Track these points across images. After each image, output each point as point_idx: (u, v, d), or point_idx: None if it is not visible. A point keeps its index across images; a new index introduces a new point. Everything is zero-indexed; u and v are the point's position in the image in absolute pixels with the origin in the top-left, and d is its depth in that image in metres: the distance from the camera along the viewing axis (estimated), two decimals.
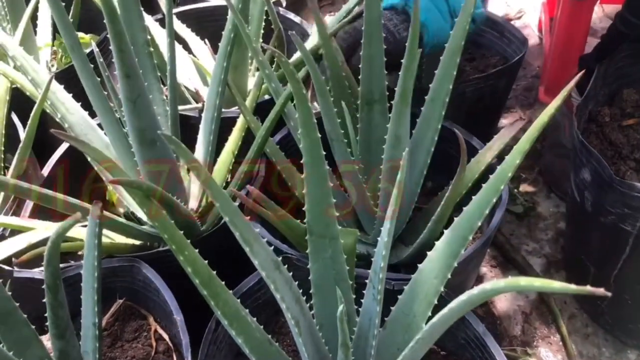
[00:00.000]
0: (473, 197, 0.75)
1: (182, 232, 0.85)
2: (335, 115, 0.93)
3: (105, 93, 0.92)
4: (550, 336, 1.10)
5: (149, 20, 1.28)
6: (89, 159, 1.00)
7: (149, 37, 0.98)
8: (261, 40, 1.35)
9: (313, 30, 1.34)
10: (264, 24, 1.33)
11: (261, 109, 1.10)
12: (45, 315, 0.73)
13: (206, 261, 0.71)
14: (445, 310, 0.55)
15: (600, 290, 0.38)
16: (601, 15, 1.82)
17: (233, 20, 1.03)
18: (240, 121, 1.10)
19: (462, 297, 0.51)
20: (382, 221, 0.94)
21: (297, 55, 1.23)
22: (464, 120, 1.17)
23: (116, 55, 0.76)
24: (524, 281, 0.43)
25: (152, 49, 0.99)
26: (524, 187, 1.36)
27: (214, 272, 0.72)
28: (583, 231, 1.06)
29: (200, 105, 1.16)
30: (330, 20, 1.29)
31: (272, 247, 0.84)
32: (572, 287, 0.40)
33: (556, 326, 1.10)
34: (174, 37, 0.96)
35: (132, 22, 0.96)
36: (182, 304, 0.85)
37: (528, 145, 0.70)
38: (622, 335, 1.09)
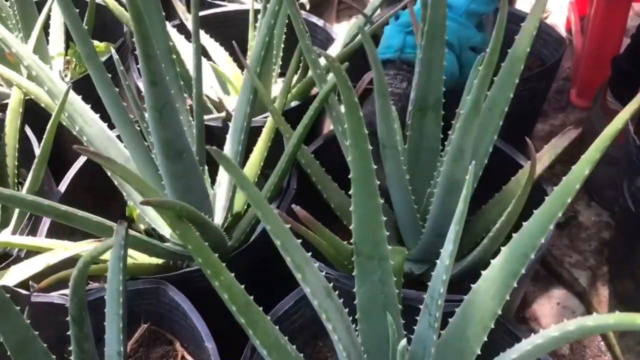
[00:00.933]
0: (535, 210, 0.68)
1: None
2: (394, 119, 0.86)
3: (125, 104, 0.86)
4: (601, 355, 1.03)
5: (167, 26, 1.22)
6: (108, 173, 0.94)
7: (171, 43, 0.92)
8: (282, 46, 1.29)
9: (338, 35, 1.28)
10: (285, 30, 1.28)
11: (287, 116, 1.04)
12: (65, 337, 0.67)
13: (242, 286, 0.65)
14: (528, 347, 0.48)
15: None
16: (631, 14, 1.75)
17: (268, 22, 0.96)
18: (266, 130, 1.04)
19: (554, 333, 0.44)
20: (429, 237, 0.88)
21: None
22: (503, 126, 1.11)
23: (142, 61, 0.70)
24: None
25: (174, 56, 0.93)
26: None
27: (251, 297, 0.66)
28: (637, 242, 0.99)
29: (223, 114, 1.10)
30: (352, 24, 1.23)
31: None
32: None
33: (607, 344, 1.03)
34: (199, 37, 0.90)
35: (154, 27, 0.90)
36: (209, 326, 0.79)
37: (598, 154, 0.63)
38: None
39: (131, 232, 0.89)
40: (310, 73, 1.17)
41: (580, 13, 1.65)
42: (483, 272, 0.71)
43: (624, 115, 0.62)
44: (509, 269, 0.69)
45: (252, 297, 0.66)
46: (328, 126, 1.37)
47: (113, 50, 0.87)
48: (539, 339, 0.46)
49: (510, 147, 0.99)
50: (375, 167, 0.62)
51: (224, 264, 0.75)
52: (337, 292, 0.71)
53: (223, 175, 1.01)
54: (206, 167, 1.02)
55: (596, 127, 1.30)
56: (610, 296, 1.11)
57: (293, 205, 0.68)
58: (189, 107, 0.98)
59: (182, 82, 0.96)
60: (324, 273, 0.63)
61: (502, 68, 0.81)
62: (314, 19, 1.33)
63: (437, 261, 0.63)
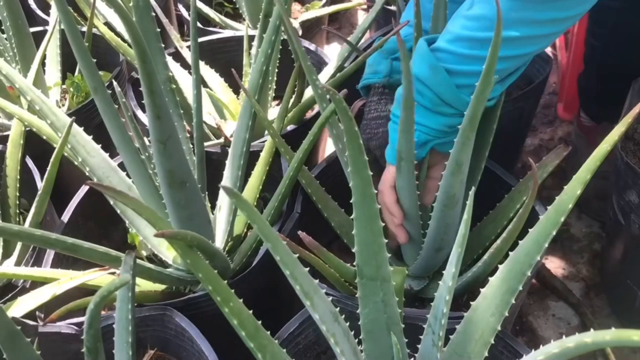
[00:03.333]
0: (530, 229, 0.71)
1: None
2: (413, 133, 0.86)
3: (130, 134, 0.88)
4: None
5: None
6: (111, 201, 0.96)
7: (170, 73, 0.95)
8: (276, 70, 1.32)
9: (331, 58, 1.31)
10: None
11: (285, 141, 1.07)
12: None
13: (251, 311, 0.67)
14: None
15: None
16: None
17: (265, 52, 0.98)
18: (264, 154, 1.07)
19: (553, 349, 0.47)
20: (428, 252, 0.90)
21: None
22: (493, 145, 1.14)
23: (147, 96, 0.73)
24: (636, 336, 0.39)
25: (174, 86, 0.96)
26: None
27: (260, 322, 0.68)
28: (629, 254, 1.02)
29: (222, 140, 1.12)
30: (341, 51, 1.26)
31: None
32: None
33: (603, 355, 1.06)
34: (198, 67, 0.93)
35: (154, 57, 0.93)
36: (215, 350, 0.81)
37: (589, 175, 0.66)
38: None
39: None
40: (305, 97, 1.21)
41: None
42: (482, 290, 0.74)
43: (612, 137, 0.65)
44: (507, 286, 0.71)
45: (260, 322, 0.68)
46: (323, 145, 1.40)
47: (115, 83, 0.90)
48: (540, 355, 0.48)
49: (495, 164, 1.02)
50: (375, 191, 0.64)
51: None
52: (342, 313, 0.74)
53: (223, 200, 1.03)
54: (206, 192, 1.04)
55: (575, 143, 1.34)
56: (604, 306, 1.14)
57: (299, 232, 0.70)
58: (188, 135, 1.00)
59: (181, 111, 0.98)
60: (330, 299, 0.65)
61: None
62: (306, 43, 1.36)
63: (440, 282, 0.65)
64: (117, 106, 0.85)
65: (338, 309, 0.66)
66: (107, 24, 1.33)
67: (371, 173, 0.63)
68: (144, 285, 0.98)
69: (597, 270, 1.19)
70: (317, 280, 0.81)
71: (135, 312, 0.87)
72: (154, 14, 0.89)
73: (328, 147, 1.43)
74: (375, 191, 0.64)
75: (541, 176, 0.93)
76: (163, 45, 0.93)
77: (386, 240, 0.67)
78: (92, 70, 0.80)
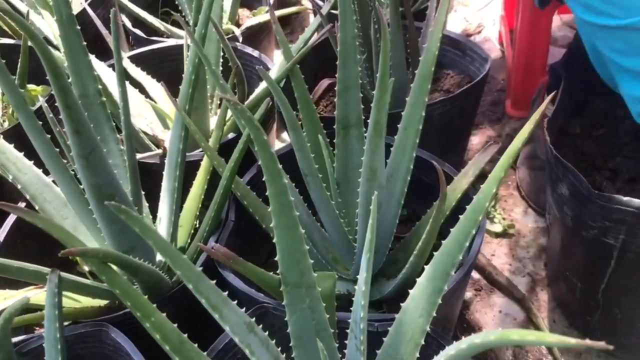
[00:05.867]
0: (451, 229, 0.71)
1: (150, 292, 0.80)
2: (309, 150, 0.89)
3: (58, 149, 0.87)
4: (542, 358, 1.07)
5: (102, 66, 1.24)
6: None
7: (100, 86, 0.94)
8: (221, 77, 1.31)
9: (275, 63, 1.31)
10: (222, 60, 1.30)
11: (226, 149, 1.06)
12: None
13: (177, 323, 0.67)
14: None
15: (601, 344, 0.35)
16: (560, 24, 1.83)
17: (193, 61, 0.99)
18: (204, 164, 1.06)
19: (451, 352, 0.47)
20: (359, 257, 0.91)
21: (256, 92, 1.20)
22: (435, 144, 1.15)
23: (63, 112, 0.72)
24: (516, 335, 0.39)
25: (104, 99, 0.95)
26: (501, 204, 1.33)
27: (185, 335, 0.67)
28: (566, 247, 1.04)
29: (161, 150, 1.12)
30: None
31: (248, 297, 0.80)
32: (571, 341, 0.36)
33: (548, 347, 1.07)
34: (124, 81, 0.92)
35: (81, 72, 0.92)
36: None
37: (503, 173, 0.67)
38: (616, 351, 1.06)
39: (70, 276, 0.90)
40: (248, 103, 1.20)
41: (509, 26, 1.72)
42: (410, 291, 0.74)
43: (523, 134, 0.66)
44: (433, 286, 0.72)
45: (195, 329, 0.68)
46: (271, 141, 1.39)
47: (42, 99, 0.88)
48: (441, 357, 0.48)
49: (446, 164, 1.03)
50: (292, 199, 0.65)
51: (163, 302, 0.76)
52: (279, 320, 0.73)
53: (163, 211, 1.02)
54: (146, 205, 1.03)
55: (535, 134, 1.35)
56: (549, 300, 1.15)
57: (213, 244, 0.70)
58: (123, 147, 0.99)
59: (114, 123, 0.97)
60: (266, 304, 0.65)
61: (411, 89, 0.85)
62: (249, 49, 1.36)
63: (355, 287, 0.65)
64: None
65: (263, 314, 0.66)
66: (45, 39, 1.31)
67: (286, 181, 0.63)
68: (84, 301, 0.97)
69: (543, 265, 1.21)
70: (254, 289, 0.82)
71: (72, 329, 0.86)
72: (78, 28, 0.88)
73: None
74: (292, 198, 0.65)
75: (474, 173, 0.93)
76: (90, 59, 0.92)
77: (308, 247, 0.68)
78: (11, 87, 0.79)
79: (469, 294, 1.17)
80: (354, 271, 0.94)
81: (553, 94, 0.81)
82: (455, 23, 1.92)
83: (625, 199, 0.84)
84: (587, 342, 0.35)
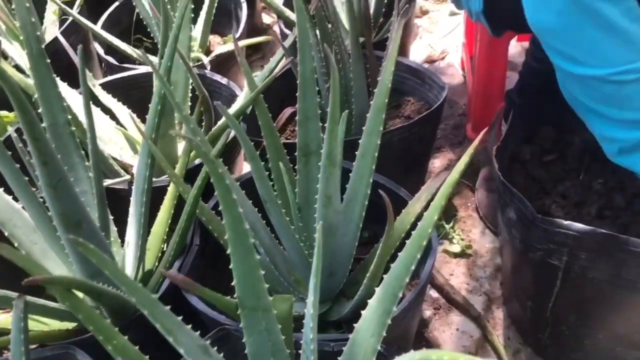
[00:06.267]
0: (399, 253, 0.76)
1: (115, 315, 0.84)
2: (267, 178, 0.94)
3: (27, 178, 0.90)
4: None
5: (74, 94, 1.27)
6: (15, 244, 0.98)
7: (69, 116, 0.97)
8: (189, 104, 1.36)
9: (243, 90, 1.36)
10: (190, 87, 1.35)
11: (193, 174, 1.10)
12: None
13: (143, 345, 0.70)
14: None
15: None
16: (520, 50, 1.91)
17: (159, 90, 1.04)
18: (171, 189, 1.10)
19: None
20: (322, 279, 0.95)
21: (223, 119, 1.24)
22: (395, 169, 1.20)
23: (31, 144, 0.75)
24: (434, 355, 0.44)
25: (74, 128, 0.98)
26: (460, 225, 1.39)
27: (147, 357, 0.71)
28: (516, 267, 1.09)
29: (129, 177, 1.15)
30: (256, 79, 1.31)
31: (211, 319, 0.84)
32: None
33: None
34: (91, 112, 0.96)
35: (51, 103, 0.95)
36: None
37: (444, 201, 0.72)
38: None
39: (38, 300, 0.93)
40: (213, 129, 1.25)
41: (470, 53, 1.79)
42: (362, 312, 0.79)
43: (459, 167, 0.71)
44: (383, 308, 0.76)
45: (151, 357, 0.71)
46: (240, 164, 1.44)
47: (11, 129, 0.92)
48: None
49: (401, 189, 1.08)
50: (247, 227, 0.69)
51: (129, 325, 0.80)
52: (240, 342, 0.77)
53: (130, 236, 1.06)
54: (115, 229, 1.07)
55: (492, 158, 1.41)
56: (504, 317, 1.20)
57: (170, 271, 0.74)
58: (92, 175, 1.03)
59: (83, 152, 1.01)
60: (227, 326, 0.69)
61: (367, 119, 0.90)
62: (217, 77, 1.40)
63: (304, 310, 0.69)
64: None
65: (224, 336, 0.69)
66: (16, 66, 1.34)
67: (241, 210, 0.67)
68: (53, 324, 1.00)
69: (498, 284, 1.26)
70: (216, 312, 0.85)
71: (39, 352, 0.89)
72: (47, 61, 0.91)
73: None
74: (247, 226, 0.69)
75: (426, 198, 0.99)
76: (60, 90, 0.96)
77: (264, 272, 0.72)
78: None
79: (428, 312, 1.22)
80: None
81: (491, 124, 0.86)
82: (420, 49, 1.99)
83: (566, 222, 0.90)
84: None
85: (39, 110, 0.95)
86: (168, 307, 0.63)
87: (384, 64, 0.97)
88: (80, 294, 0.86)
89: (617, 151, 0.88)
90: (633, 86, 0.80)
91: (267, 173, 0.98)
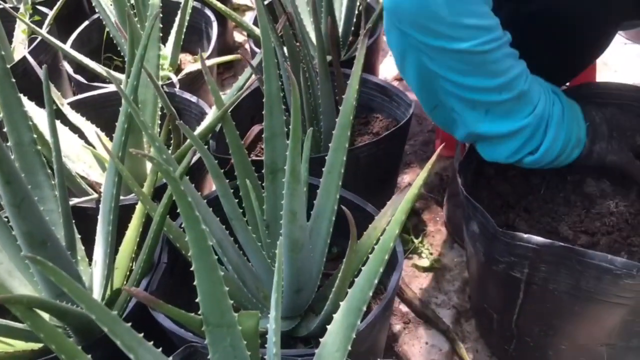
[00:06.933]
0: (362, 267, 0.77)
1: (81, 334, 0.83)
2: (232, 195, 0.95)
3: None
4: None
5: (41, 113, 1.27)
6: None
7: (35, 135, 0.98)
8: (159, 122, 1.36)
9: (212, 109, 1.37)
10: (160, 105, 1.35)
11: (162, 192, 1.10)
12: None
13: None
14: None
15: None
16: None
17: (126, 109, 1.04)
18: (139, 207, 1.10)
19: None
20: (289, 295, 0.96)
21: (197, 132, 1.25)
22: (364, 185, 1.22)
23: None
24: None
25: (39, 147, 0.98)
26: (429, 240, 1.41)
27: None
28: (481, 280, 1.11)
29: (96, 195, 1.15)
30: (224, 98, 1.32)
31: (178, 336, 0.84)
32: None
33: None
34: (56, 132, 0.96)
35: (16, 122, 0.96)
36: None
37: (404, 215, 0.74)
38: None
39: (2, 321, 0.92)
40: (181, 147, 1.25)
41: None
42: (328, 327, 0.80)
43: (418, 182, 0.73)
44: (348, 322, 0.78)
45: None
46: (210, 182, 1.44)
47: None
48: None
49: (368, 205, 1.09)
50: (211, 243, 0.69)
51: (96, 343, 0.79)
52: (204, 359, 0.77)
53: (98, 255, 1.05)
54: (82, 248, 1.06)
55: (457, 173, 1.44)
56: (473, 331, 1.22)
57: (133, 288, 0.74)
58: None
59: (49, 170, 1.01)
60: (193, 343, 0.69)
61: (333, 136, 0.92)
62: (187, 95, 1.41)
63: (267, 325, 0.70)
64: None
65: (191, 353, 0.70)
66: None
67: (204, 228, 0.68)
68: (18, 345, 0.99)
69: (467, 297, 1.28)
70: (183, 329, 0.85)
71: None
72: (13, 80, 0.92)
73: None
74: (211, 243, 0.70)
75: (392, 213, 1.00)
76: (26, 109, 0.96)
77: (227, 288, 0.72)
78: None
79: (397, 326, 1.23)
80: (283, 310, 0.99)
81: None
82: (389, 68, 2.02)
83: (526, 236, 0.92)
84: None
85: (4, 129, 0.95)
86: (129, 324, 0.64)
87: (349, 82, 0.99)
88: (46, 315, 0.86)
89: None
90: (495, 53, 0.87)
91: (235, 190, 0.99)
